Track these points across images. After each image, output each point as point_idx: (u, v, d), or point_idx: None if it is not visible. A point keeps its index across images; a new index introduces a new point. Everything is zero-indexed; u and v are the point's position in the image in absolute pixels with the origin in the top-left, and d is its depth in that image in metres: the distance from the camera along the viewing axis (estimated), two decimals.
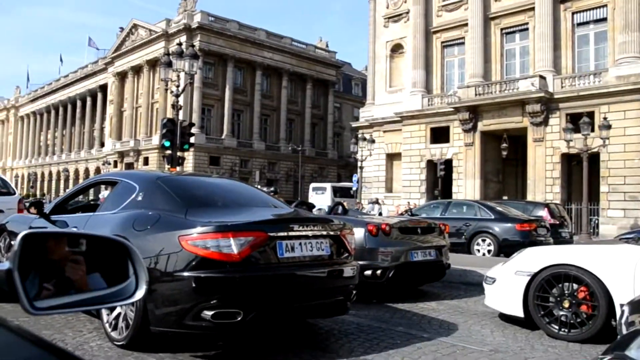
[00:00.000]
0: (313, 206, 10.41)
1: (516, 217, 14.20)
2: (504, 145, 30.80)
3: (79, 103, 78.17)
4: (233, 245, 4.04)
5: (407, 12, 37.40)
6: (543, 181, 29.24)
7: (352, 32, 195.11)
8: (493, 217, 13.95)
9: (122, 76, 66.24)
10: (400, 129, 35.83)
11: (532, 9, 30.98)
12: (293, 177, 61.98)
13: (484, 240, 13.62)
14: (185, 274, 4.03)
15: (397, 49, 38.44)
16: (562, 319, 5.23)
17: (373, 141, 33.54)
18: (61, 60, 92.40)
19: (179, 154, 17.18)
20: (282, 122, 62.76)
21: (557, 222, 16.94)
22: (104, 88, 72.02)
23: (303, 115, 65.21)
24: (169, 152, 17.27)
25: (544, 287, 5.35)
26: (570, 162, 29.38)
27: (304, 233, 4.55)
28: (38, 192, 79.68)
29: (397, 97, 36.83)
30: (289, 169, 61.90)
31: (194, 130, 53.59)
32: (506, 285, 5.66)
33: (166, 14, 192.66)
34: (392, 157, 37.10)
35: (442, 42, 35.94)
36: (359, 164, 37.39)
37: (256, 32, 60.60)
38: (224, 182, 6.73)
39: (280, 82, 63.01)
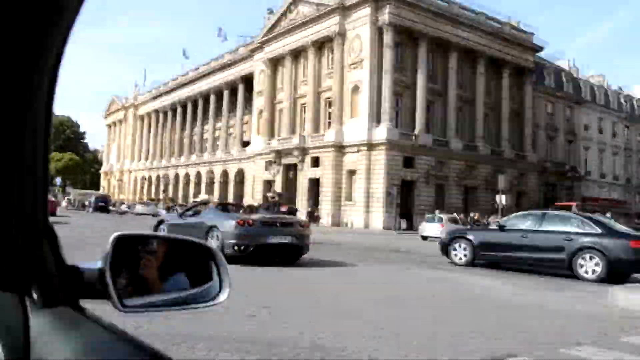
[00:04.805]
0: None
1: (628, 233, 12.81)
2: None
3: (212, 98, 68.95)
4: None
5: None
6: None
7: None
8: (600, 231, 12.24)
9: (274, 63, 55.97)
10: None
11: None
12: (494, 184, 49.26)
13: (590, 258, 11.92)
14: None
15: None
16: None
17: None
18: (185, 54, 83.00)
19: None
20: (478, 116, 50.31)
21: None
22: (246, 79, 62.27)
23: (499, 109, 52.52)
24: None
25: None
26: None
27: None
28: (160, 196, 71.07)
29: None
30: (487, 174, 49.26)
31: (384, 124, 42.11)
32: None
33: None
34: None
35: None
36: None
37: (450, 5, 48.66)
38: None
39: (474, 67, 50.72)
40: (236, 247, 11.11)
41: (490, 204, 48.15)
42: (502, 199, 34.21)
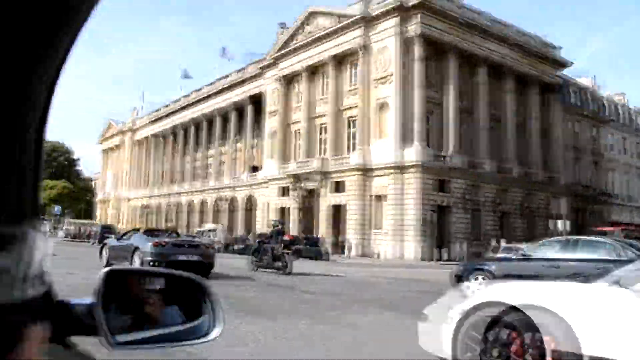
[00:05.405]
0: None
1: None
2: None
3: (218, 120, 65.37)
4: None
5: None
6: None
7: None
8: None
9: (288, 80, 52.68)
10: None
11: None
12: (528, 209, 46.00)
13: None
14: None
15: None
16: None
17: None
18: (186, 75, 77.30)
19: None
20: (509, 136, 47.17)
21: None
22: (254, 100, 58.83)
23: (526, 129, 49.47)
24: None
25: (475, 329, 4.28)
26: None
27: None
28: (162, 226, 66.80)
29: None
30: (522, 198, 45.96)
31: (415, 144, 38.70)
32: (437, 324, 4.63)
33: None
34: None
35: None
36: None
37: (480, 15, 45.82)
38: None
39: (501, 84, 47.76)
40: (151, 263, 14.17)
41: (525, 230, 44.94)
42: (565, 225, 30.80)
